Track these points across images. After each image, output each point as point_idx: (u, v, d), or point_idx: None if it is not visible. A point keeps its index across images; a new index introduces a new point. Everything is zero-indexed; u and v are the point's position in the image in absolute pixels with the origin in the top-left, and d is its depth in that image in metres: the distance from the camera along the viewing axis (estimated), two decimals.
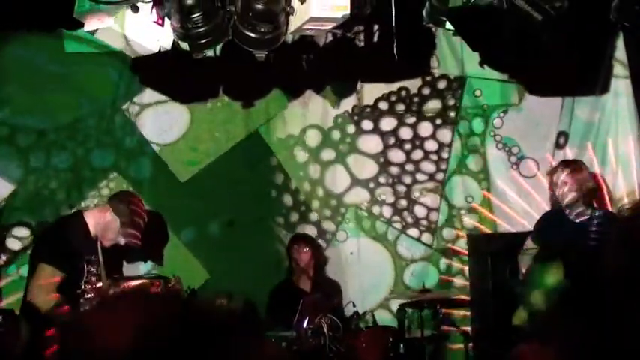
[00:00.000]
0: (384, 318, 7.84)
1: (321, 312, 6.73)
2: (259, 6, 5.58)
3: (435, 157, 8.17)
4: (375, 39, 7.60)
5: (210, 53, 6.83)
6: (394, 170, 8.15)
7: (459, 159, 8.12)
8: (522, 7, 5.59)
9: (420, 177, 8.17)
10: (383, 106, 8.16)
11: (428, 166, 8.17)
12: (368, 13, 5.94)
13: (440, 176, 8.18)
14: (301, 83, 7.97)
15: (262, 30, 5.74)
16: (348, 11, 5.50)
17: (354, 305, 7.23)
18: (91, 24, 5.71)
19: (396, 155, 8.17)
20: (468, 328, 7.72)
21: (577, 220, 6.52)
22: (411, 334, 7.11)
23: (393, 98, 8.16)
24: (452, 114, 8.14)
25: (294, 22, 5.76)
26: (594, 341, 2.28)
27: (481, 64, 7.50)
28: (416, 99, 8.17)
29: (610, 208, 7.35)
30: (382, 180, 8.15)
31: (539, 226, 6.98)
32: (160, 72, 7.41)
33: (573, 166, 6.64)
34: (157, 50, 5.84)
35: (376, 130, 8.16)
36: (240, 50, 5.94)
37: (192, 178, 7.90)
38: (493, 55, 7.19)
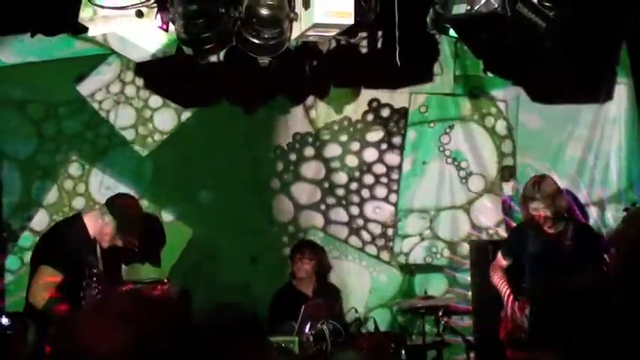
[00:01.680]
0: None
1: (323, 317, 6.73)
2: (264, 12, 5.58)
3: (385, 180, 8.19)
4: (379, 45, 7.61)
5: (213, 58, 6.86)
6: (342, 192, 8.18)
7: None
8: (526, 15, 5.59)
9: (372, 198, 8.18)
10: (326, 134, 8.17)
11: (380, 190, 8.19)
12: (371, 19, 5.95)
13: (393, 198, 8.19)
14: (304, 89, 7.98)
15: (266, 36, 5.74)
16: (351, 18, 5.50)
17: (357, 311, 7.23)
18: (95, 28, 5.72)
19: (342, 178, 8.21)
20: (470, 337, 7.70)
21: (551, 232, 6.61)
22: (412, 341, 7.11)
23: (336, 127, 8.17)
24: (397, 140, 8.16)
25: (298, 28, 5.77)
26: (596, 347, 2.28)
27: (484, 70, 7.52)
28: (359, 125, 8.18)
29: (582, 220, 7.41)
30: (331, 201, 8.16)
31: (511, 239, 7.05)
32: (164, 77, 7.43)
33: (545, 184, 6.68)
34: (152, 53, 5.85)
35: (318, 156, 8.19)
36: (244, 56, 5.95)
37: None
38: (496, 62, 7.20)
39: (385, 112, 8.15)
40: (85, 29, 5.79)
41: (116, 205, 6.32)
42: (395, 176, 8.16)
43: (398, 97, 8.14)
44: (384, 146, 8.16)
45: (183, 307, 2.12)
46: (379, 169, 8.18)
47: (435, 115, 8.13)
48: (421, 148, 8.14)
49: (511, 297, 6.75)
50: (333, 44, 7.54)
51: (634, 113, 7.68)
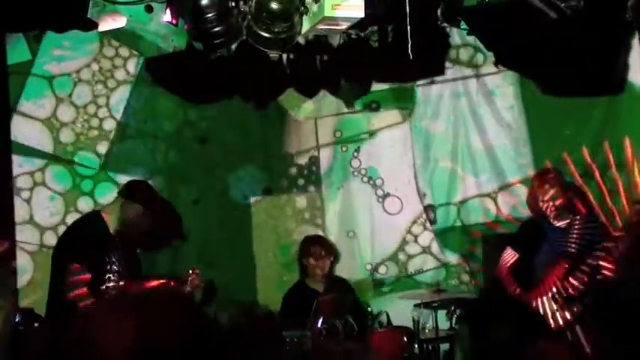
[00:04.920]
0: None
1: (335, 312, 6.72)
2: (274, 5, 5.58)
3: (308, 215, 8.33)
4: (390, 39, 7.57)
5: (224, 53, 6.84)
6: None
7: None
8: (537, 6, 5.56)
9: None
10: None
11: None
12: (382, 12, 5.93)
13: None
14: (315, 83, 7.96)
15: (276, 30, 5.73)
16: (362, 11, 5.48)
17: (369, 306, 7.22)
18: (105, 24, 5.72)
19: None
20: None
21: (559, 225, 6.61)
22: (425, 335, 7.09)
23: None
24: (313, 188, 8.25)
25: (308, 22, 5.75)
26: (614, 340, 2.27)
27: (495, 64, 7.49)
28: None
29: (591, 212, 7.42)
30: None
31: (521, 233, 7.03)
32: (174, 72, 7.42)
33: (552, 177, 6.71)
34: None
35: None
36: (254, 50, 5.93)
37: None
38: (507, 54, 7.17)
39: (293, 170, 8.31)
40: (95, 25, 5.79)
41: (138, 190, 6.34)
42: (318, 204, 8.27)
43: (307, 139, 8.26)
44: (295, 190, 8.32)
45: (196, 306, 2.10)
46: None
47: (347, 136, 8.19)
48: (336, 173, 8.22)
49: (517, 292, 6.74)
50: (344, 38, 7.51)
51: None
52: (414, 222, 8.13)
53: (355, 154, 8.20)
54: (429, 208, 8.11)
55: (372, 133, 8.19)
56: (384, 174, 8.18)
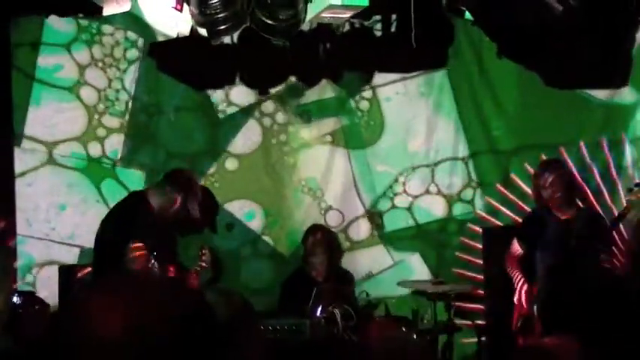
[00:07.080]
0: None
1: (334, 301, 6.72)
2: None
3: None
4: (393, 28, 7.57)
5: (227, 39, 6.84)
6: None
7: None
8: None
9: None
10: None
11: None
12: (386, 1, 5.93)
13: None
14: (318, 72, 7.94)
15: (280, 17, 5.74)
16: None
17: (368, 295, 7.22)
18: (109, 8, 5.73)
19: None
20: (482, 322, 7.68)
21: (563, 218, 6.58)
22: (423, 325, 7.10)
23: None
24: None
25: (313, 10, 5.76)
26: (619, 334, 2.27)
27: (499, 54, 7.46)
28: None
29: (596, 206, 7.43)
30: None
31: (524, 225, 7.02)
32: (177, 58, 7.41)
33: (556, 165, 6.70)
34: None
35: None
36: (258, 37, 5.94)
37: None
38: (511, 45, 7.16)
39: None
40: (99, 9, 5.81)
41: (181, 178, 6.40)
42: None
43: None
44: None
45: (195, 295, 2.08)
46: None
47: (292, 145, 8.14)
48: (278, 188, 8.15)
49: (522, 284, 6.72)
50: (348, 27, 7.51)
51: None
52: (359, 230, 8.14)
53: (292, 169, 8.13)
54: (374, 215, 8.12)
55: (306, 145, 8.15)
56: (324, 185, 8.12)
